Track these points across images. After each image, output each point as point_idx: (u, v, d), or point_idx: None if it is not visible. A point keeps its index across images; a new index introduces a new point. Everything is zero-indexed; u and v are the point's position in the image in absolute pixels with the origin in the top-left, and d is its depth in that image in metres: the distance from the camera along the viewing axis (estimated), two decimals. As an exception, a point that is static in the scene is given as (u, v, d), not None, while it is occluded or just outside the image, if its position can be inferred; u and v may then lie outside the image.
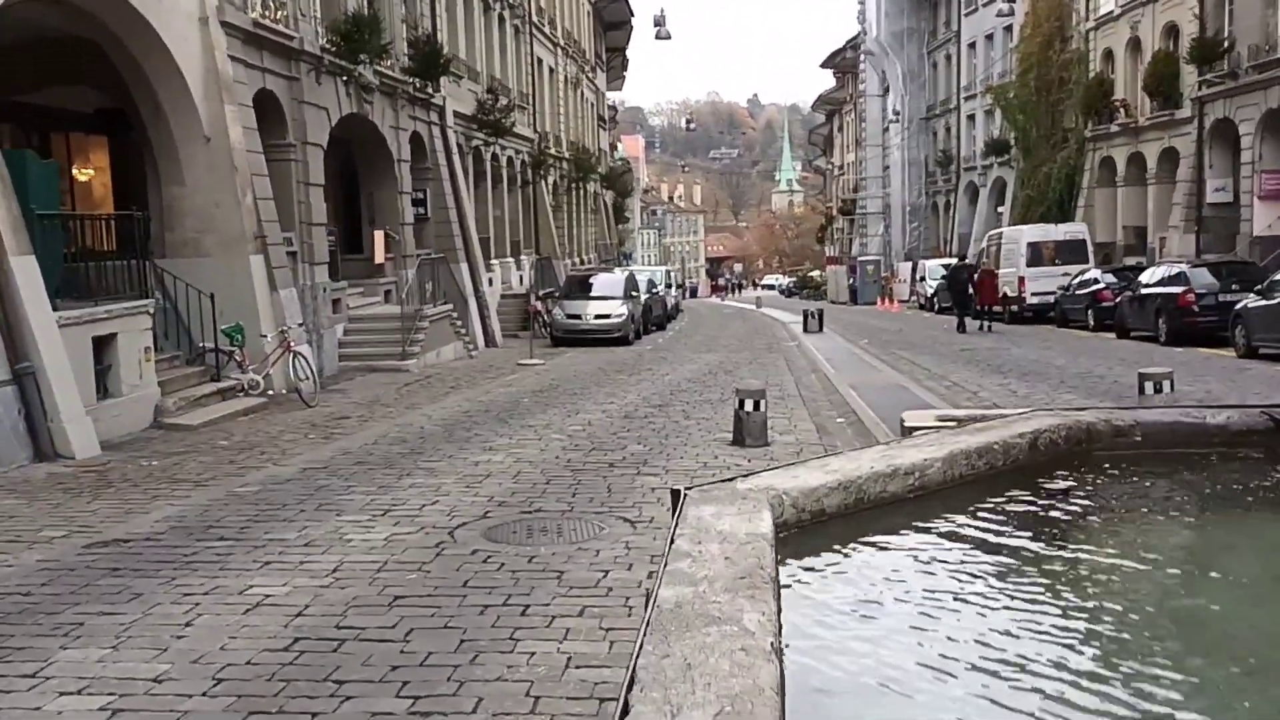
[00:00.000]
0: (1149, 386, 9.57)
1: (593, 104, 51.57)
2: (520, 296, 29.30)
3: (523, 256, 32.79)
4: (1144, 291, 21.16)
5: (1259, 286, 16.63)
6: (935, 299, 38.06)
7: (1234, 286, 18.84)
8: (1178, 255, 27.12)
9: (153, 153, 15.01)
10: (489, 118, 27.25)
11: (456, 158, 25.32)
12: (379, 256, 21.33)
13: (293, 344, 14.14)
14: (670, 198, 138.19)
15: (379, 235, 21.24)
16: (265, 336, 14.13)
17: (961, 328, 26.21)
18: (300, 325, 15.23)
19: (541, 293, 28.73)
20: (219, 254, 14.88)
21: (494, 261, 28.67)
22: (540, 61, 37.01)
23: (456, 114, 25.57)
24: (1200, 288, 19.23)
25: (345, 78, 18.70)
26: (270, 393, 14.34)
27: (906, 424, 6.01)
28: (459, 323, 22.15)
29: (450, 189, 24.45)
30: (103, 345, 11.43)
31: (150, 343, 12.23)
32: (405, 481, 8.53)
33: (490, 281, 27.03)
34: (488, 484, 8.39)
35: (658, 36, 28.94)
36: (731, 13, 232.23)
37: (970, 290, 27.05)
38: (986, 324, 26.21)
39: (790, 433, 10.88)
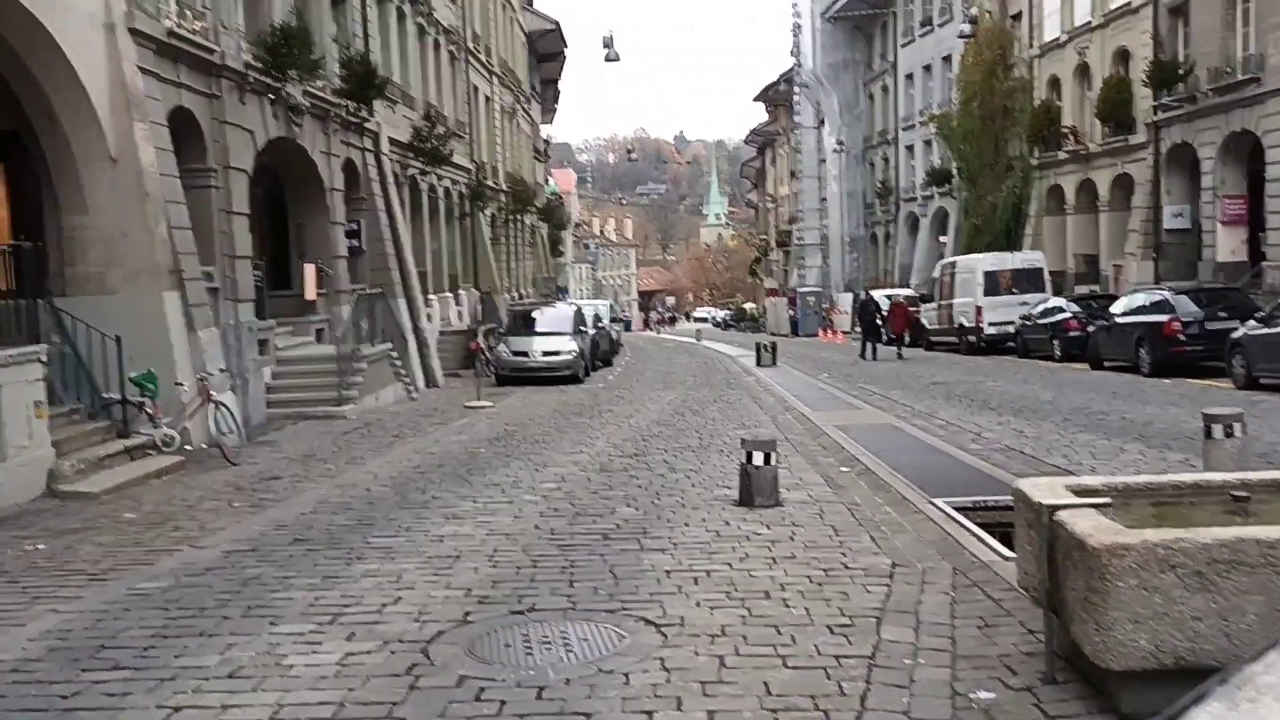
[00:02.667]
0: (1217, 430, 8.33)
1: (529, 135, 50.20)
2: (460, 333, 27.64)
3: (462, 291, 31.12)
4: (1121, 320, 20.30)
5: (1260, 314, 15.75)
6: (883, 329, 37.39)
7: (1221, 314, 18.04)
8: (1135, 283, 26.56)
9: (50, 176, 13.17)
10: (426, 145, 25.66)
11: (393, 187, 23.68)
12: (310, 292, 19.54)
13: (213, 392, 12.34)
14: (601, 232, 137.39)
15: (310, 269, 19.47)
16: (181, 385, 12.32)
17: (864, 354, 28.39)
18: (222, 371, 13.42)
19: (484, 328, 27.13)
20: (127, 291, 13.07)
21: (432, 296, 26.97)
22: (477, 89, 35.55)
23: (392, 141, 23.95)
24: (1185, 315, 18.38)
25: (272, 97, 17.01)
26: (189, 448, 12.51)
27: (1040, 501, 4.59)
28: (398, 363, 20.43)
29: (386, 220, 22.77)
30: (-19, 400, 9.60)
31: (43, 395, 10.38)
32: (356, 568, 6.89)
33: (429, 317, 25.32)
34: (460, 569, 6.80)
35: (607, 59, 27.71)
36: (657, 51, 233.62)
37: (879, 321, 29.39)
38: (897, 351, 28.84)
39: (798, 488, 9.46)
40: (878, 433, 13.39)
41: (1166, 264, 27.12)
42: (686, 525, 7.96)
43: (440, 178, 28.94)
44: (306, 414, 16.34)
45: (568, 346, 23.87)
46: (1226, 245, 24.77)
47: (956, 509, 8.29)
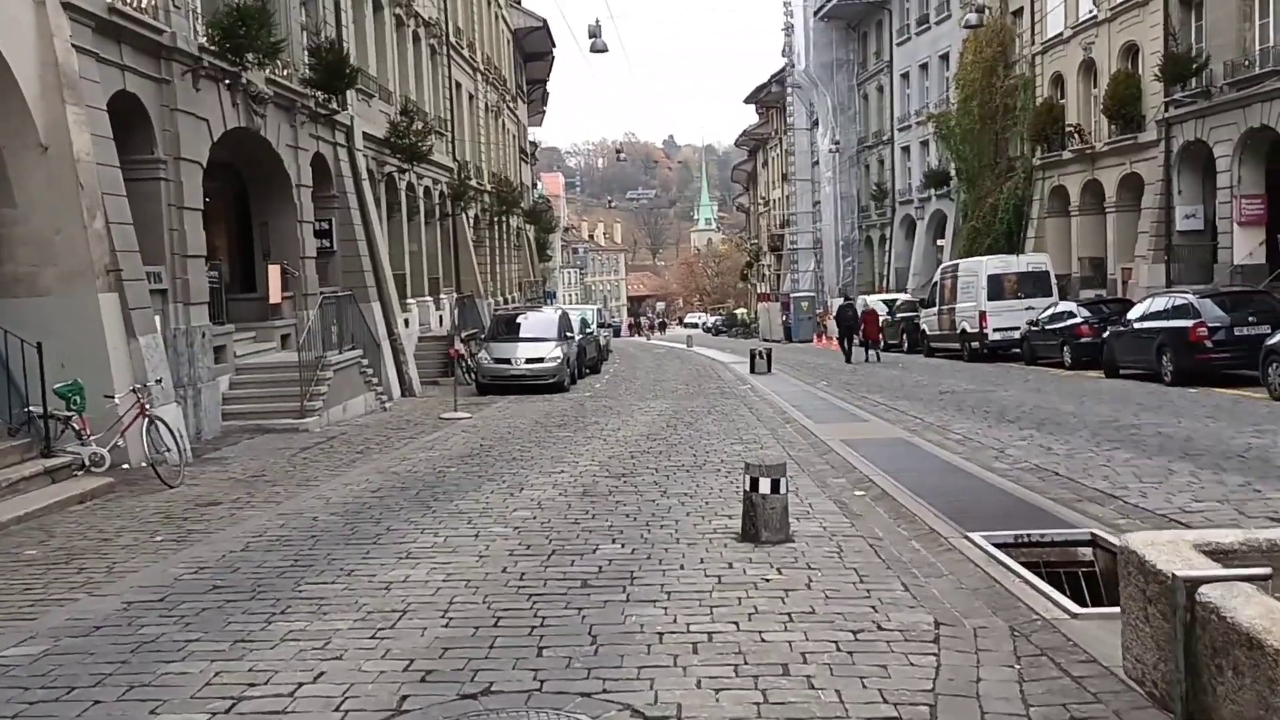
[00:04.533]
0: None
1: (514, 135, 48.94)
2: (440, 339, 26.36)
3: (442, 295, 29.82)
4: (1140, 326, 19.12)
5: (1300, 318, 14.59)
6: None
7: (1250, 319, 16.88)
8: (1147, 286, 25.42)
9: (-27, 166, 11.87)
10: (403, 141, 24.38)
11: (367, 184, 22.39)
12: (275, 295, 18.23)
13: (148, 406, 11.02)
14: (590, 236, 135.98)
15: (274, 271, 18.16)
16: (111, 398, 11.01)
17: (848, 359, 29.33)
18: (158, 382, 12.07)
19: (464, 334, 25.87)
20: (61, 292, 11.79)
21: (410, 301, 25.68)
22: (459, 86, 34.27)
23: (367, 136, 22.67)
24: (1212, 320, 17.20)
25: (229, 83, 15.73)
26: (126, 467, 11.24)
27: (1169, 570, 3.35)
28: (370, 370, 19.14)
29: (359, 219, 21.47)
30: None
31: (-58, 411, 9.10)
32: (277, 628, 5.62)
33: (406, 323, 24.04)
34: (404, 630, 5.53)
35: (593, 49, 26.36)
36: (645, 54, 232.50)
37: (856, 326, 30.37)
38: (875, 355, 29.64)
39: (809, 517, 8.22)
40: (889, 449, 12.16)
41: (1179, 267, 25.97)
42: (682, 568, 6.71)
43: (420, 176, 27.67)
44: (265, 427, 15.05)
45: (552, 353, 22.65)
46: (1244, 247, 23.61)
47: (997, 545, 7.06)
